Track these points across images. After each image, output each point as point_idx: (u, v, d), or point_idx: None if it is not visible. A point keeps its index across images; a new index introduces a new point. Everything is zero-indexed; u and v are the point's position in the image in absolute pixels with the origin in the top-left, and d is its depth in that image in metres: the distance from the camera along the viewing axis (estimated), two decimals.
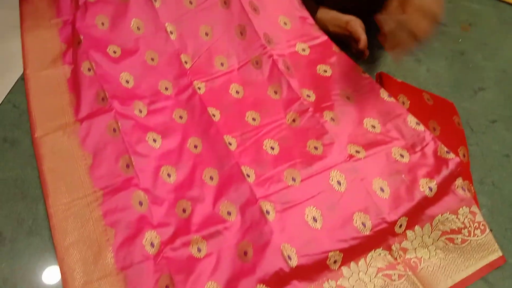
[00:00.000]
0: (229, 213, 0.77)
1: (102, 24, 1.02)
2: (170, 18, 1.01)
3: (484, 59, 1.17)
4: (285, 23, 1.01)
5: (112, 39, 1.00)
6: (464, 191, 0.79)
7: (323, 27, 1.09)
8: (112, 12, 1.03)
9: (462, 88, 1.10)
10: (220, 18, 1.00)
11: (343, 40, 1.11)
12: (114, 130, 0.86)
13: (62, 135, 0.87)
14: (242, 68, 0.97)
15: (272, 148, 0.85)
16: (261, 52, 0.96)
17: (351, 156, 0.81)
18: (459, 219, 0.77)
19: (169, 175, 0.83)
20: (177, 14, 1.01)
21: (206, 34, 1.00)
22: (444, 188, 0.78)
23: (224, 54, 0.98)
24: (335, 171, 0.79)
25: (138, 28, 1.01)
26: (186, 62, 0.97)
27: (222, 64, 0.97)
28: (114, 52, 0.98)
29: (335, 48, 1.00)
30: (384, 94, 0.90)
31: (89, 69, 0.94)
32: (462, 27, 1.26)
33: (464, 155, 0.89)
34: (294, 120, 0.88)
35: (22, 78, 0.98)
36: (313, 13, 1.09)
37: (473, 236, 0.76)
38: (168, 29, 1.00)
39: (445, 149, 0.81)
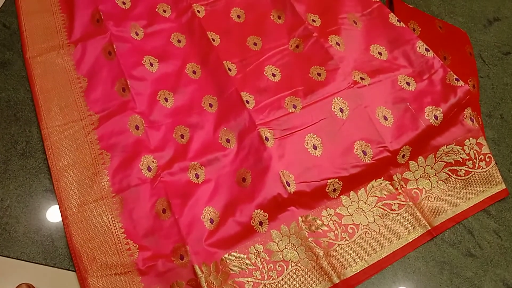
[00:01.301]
0: (228, 141, 0.75)
1: None
2: None
3: None
4: None
5: None
6: (473, 121, 0.76)
7: None
8: None
9: (476, 18, 1.04)
10: None
11: None
12: (110, 53, 0.82)
13: (55, 56, 0.83)
14: None
15: (274, 75, 0.81)
16: None
17: (355, 83, 0.78)
18: (464, 151, 0.74)
19: (166, 100, 0.80)
20: None
21: None
22: (451, 118, 0.76)
23: None
24: (338, 98, 0.77)
25: None
26: None
27: None
28: None
29: None
30: (393, 19, 0.85)
31: None
32: None
33: (474, 86, 0.86)
34: (297, 46, 0.84)
35: None
36: None
37: (477, 168, 0.74)
38: None
39: (455, 76, 0.77)
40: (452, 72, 0.78)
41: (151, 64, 0.83)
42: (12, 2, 0.92)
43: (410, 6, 0.93)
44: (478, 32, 1.00)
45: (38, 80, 0.81)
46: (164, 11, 0.90)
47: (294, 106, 0.77)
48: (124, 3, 0.90)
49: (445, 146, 0.75)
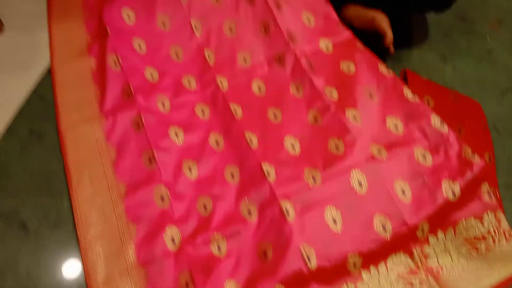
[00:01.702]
0: (249, 213, 0.78)
1: (128, 17, 1.02)
2: (196, 13, 1.02)
3: None
4: (308, 20, 1.00)
5: (138, 33, 1.01)
6: (490, 197, 0.77)
7: (348, 23, 1.08)
8: (138, 5, 1.03)
9: (489, 88, 1.07)
10: (244, 14, 1.00)
11: (368, 36, 1.09)
12: (138, 125, 0.87)
13: (87, 128, 0.88)
14: (264, 65, 0.96)
15: (293, 147, 0.84)
16: (284, 49, 0.95)
17: (373, 157, 0.80)
18: (483, 225, 0.75)
19: (190, 170, 0.83)
20: (202, 10, 1.02)
21: (230, 29, 1.00)
22: (468, 193, 0.77)
23: (247, 50, 0.98)
24: (357, 171, 0.79)
25: (164, 24, 1.01)
26: (209, 57, 0.97)
27: (245, 60, 0.97)
28: (139, 46, 0.99)
29: (359, 44, 0.99)
30: (407, 92, 0.88)
31: (115, 63, 0.95)
32: (490, 24, 1.23)
33: (490, 159, 0.87)
34: (315, 119, 0.88)
35: (49, 71, 0.99)
36: (338, 9, 1.07)
37: (497, 243, 0.75)
38: (193, 25, 1.00)
39: (470, 152, 0.79)
40: (467, 147, 0.80)
41: (177, 135, 0.87)
42: (47, 75, 0.98)
43: (423, 78, 0.96)
44: (492, 102, 1.03)
45: (70, 152, 0.86)
46: (189, 83, 0.96)
47: (314, 179, 0.79)
48: (152, 76, 0.95)
49: (463, 220, 0.76)
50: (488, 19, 1.24)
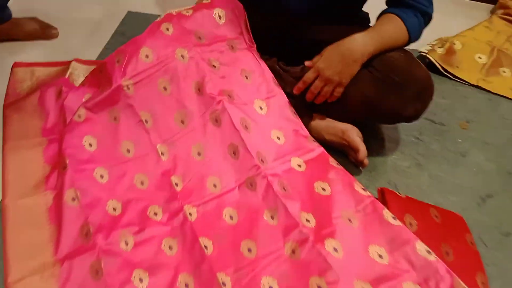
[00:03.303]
0: None
1: (90, 145, 0.97)
2: (162, 138, 0.96)
3: (487, 160, 1.14)
4: (278, 138, 0.97)
5: (99, 162, 0.95)
6: None
7: (318, 136, 1.06)
8: (101, 132, 0.98)
9: (468, 195, 1.04)
10: (212, 137, 0.96)
11: (340, 149, 1.07)
12: (97, 272, 0.78)
13: (39, 281, 0.78)
14: (235, 190, 0.91)
15: None
16: (255, 173, 0.90)
17: None
18: None
19: None
20: (168, 134, 0.97)
21: (199, 154, 0.95)
22: None
23: (216, 174, 0.93)
24: None
25: (128, 151, 0.96)
26: (177, 184, 0.91)
27: (214, 186, 0.92)
28: (102, 176, 0.93)
29: (332, 161, 0.95)
30: (388, 215, 0.84)
31: (73, 199, 0.87)
32: (461, 125, 1.24)
33: (483, 283, 0.81)
34: (293, 252, 0.81)
35: None
36: (306, 121, 1.06)
37: None
38: (160, 151, 0.95)
39: (463, 285, 0.73)
40: (460, 280, 0.74)
41: (141, 280, 0.79)
42: None
43: (402, 196, 0.93)
44: (473, 212, 1.00)
45: None
46: (156, 214, 0.89)
47: None
48: (114, 209, 0.88)
49: None
50: (458, 119, 1.25)
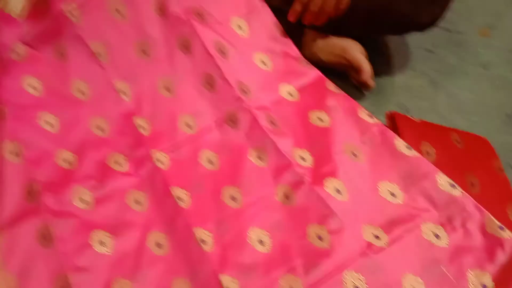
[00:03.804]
0: None
1: (34, 88, 0.80)
2: (120, 75, 0.80)
3: None
4: (263, 62, 0.80)
5: (47, 107, 0.79)
6: None
7: (312, 57, 0.90)
8: (45, 72, 0.82)
9: (492, 114, 0.90)
10: (181, 68, 0.80)
11: (339, 71, 0.90)
12: (46, 238, 0.64)
13: None
14: (214, 129, 0.76)
15: (262, 243, 0.63)
16: (237, 107, 0.75)
17: (369, 246, 0.60)
18: None
19: None
20: (128, 69, 0.81)
21: (167, 89, 0.79)
22: (504, 283, 0.57)
23: (190, 112, 0.77)
24: (350, 272, 0.58)
25: (82, 92, 0.80)
26: (143, 128, 0.76)
27: (188, 126, 0.76)
28: (50, 123, 0.77)
29: (329, 86, 0.80)
30: (401, 145, 0.70)
31: (14, 153, 0.72)
32: (481, 32, 1.06)
33: None
34: (287, 197, 0.67)
35: None
36: (296, 40, 0.88)
37: None
38: (119, 88, 0.79)
39: (496, 223, 0.60)
40: (492, 217, 0.61)
41: (102, 243, 0.65)
42: None
43: (416, 120, 0.77)
44: (499, 133, 0.86)
45: None
46: (119, 164, 0.74)
47: None
48: (67, 162, 0.73)
49: None
50: (477, 26, 1.07)
